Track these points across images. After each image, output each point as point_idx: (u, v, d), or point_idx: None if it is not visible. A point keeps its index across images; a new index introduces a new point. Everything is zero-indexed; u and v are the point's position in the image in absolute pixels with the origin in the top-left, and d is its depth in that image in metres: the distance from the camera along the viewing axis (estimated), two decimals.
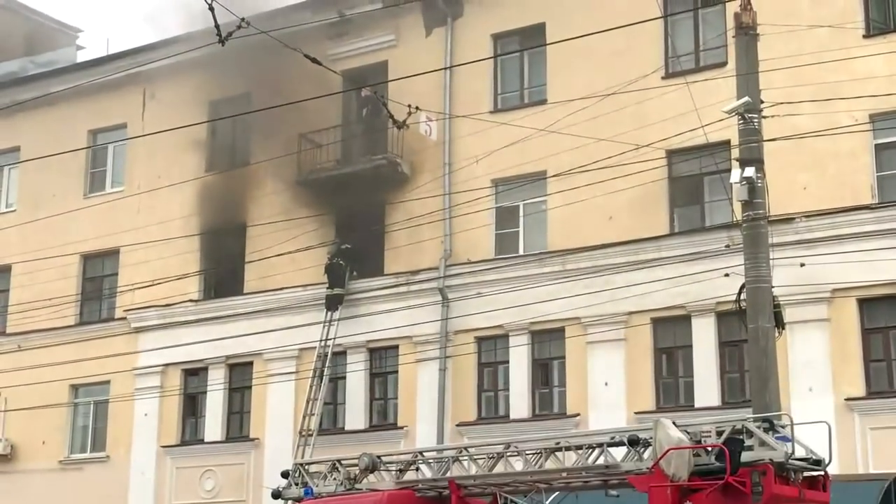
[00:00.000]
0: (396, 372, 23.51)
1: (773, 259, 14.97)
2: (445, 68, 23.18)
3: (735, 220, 18.30)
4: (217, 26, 13.33)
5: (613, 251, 21.25)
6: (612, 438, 13.02)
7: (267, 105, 22.12)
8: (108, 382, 26.57)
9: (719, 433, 12.03)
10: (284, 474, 15.84)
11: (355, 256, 23.98)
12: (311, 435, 22.96)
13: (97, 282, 27.90)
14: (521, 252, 22.72)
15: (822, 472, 12.35)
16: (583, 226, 21.68)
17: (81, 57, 31.43)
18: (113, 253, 27.34)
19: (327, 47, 23.98)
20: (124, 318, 26.73)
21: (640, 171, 20.66)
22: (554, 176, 22.00)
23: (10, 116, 27.99)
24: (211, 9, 13.36)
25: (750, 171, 14.73)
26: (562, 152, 21.53)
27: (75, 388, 27.28)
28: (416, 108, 17.72)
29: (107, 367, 26.18)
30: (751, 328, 14.69)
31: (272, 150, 24.46)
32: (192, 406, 26.01)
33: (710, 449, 11.89)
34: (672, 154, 21.16)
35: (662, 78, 21.45)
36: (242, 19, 14.35)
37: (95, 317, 27.63)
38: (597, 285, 21.06)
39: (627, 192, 20.99)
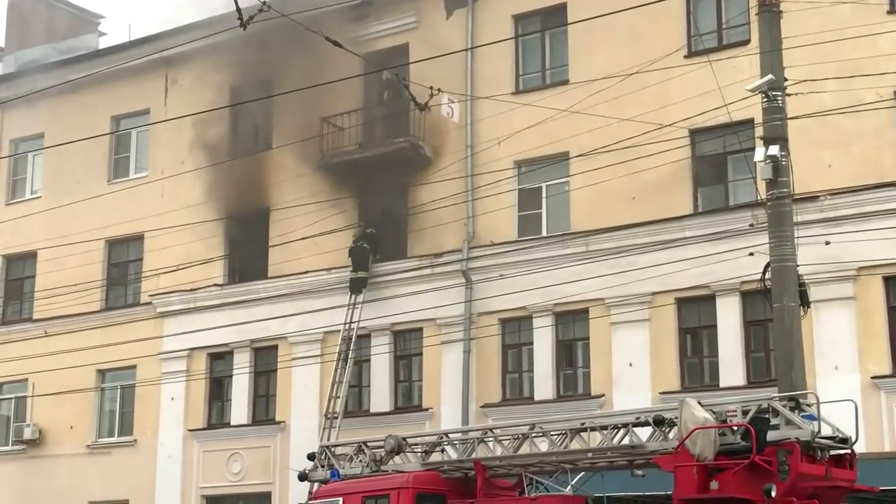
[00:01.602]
0: (421, 354, 23.58)
1: (797, 237, 14.92)
2: (466, 49, 23.17)
3: (759, 198, 18.25)
4: (239, 10, 13.36)
5: (637, 231, 21.22)
6: (637, 418, 13.07)
7: (289, 89, 22.19)
8: (134, 367, 26.80)
9: (745, 412, 12.05)
10: (311, 457, 15.97)
11: (378, 239, 24.03)
12: (336, 417, 23.08)
13: (122, 267, 28.05)
14: (543, 234, 22.71)
15: (849, 451, 12.37)
16: (606, 206, 21.65)
17: (103, 43, 31.55)
18: (137, 238, 27.51)
19: (348, 30, 23.89)
20: (149, 303, 26.89)
21: (663, 151, 20.61)
22: (576, 157, 21.99)
23: (33, 103, 28.09)
24: None
25: (774, 150, 14.68)
26: (584, 133, 21.50)
27: (102, 373, 27.47)
28: (438, 90, 17.67)
29: (133, 351, 26.41)
30: (776, 307, 14.66)
31: (294, 134, 24.51)
32: (219, 390, 26.17)
33: (735, 428, 11.91)
34: (695, 133, 21.09)
35: (685, 57, 21.37)
36: (264, 2, 14.39)
37: (121, 302, 27.78)
38: (620, 266, 21.06)
39: (650, 173, 20.96)
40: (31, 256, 29.08)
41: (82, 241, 27.40)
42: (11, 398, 28.82)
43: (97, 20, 34.53)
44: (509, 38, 23.17)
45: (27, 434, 27.73)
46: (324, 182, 24.81)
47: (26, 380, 28.11)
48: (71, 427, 27.45)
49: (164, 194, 26.95)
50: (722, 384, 20.23)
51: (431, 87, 18.15)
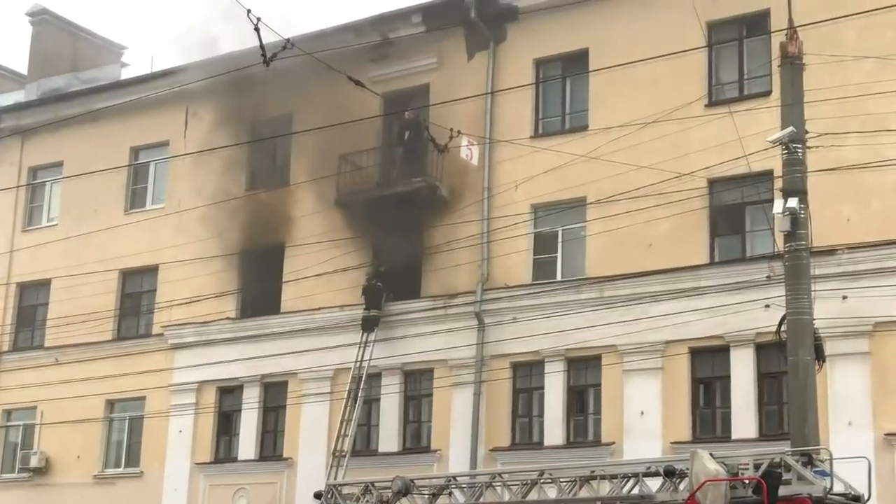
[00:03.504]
0: (431, 395, 23.49)
1: (814, 291, 14.87)
2: (487, 94, 23.26)
3: (777, 250, 18.18)
4: (262, 47, 13.48)
5: (652, 279, 21.16)
6: (648, 468, 12.98)
7: (308, 126, 22.34)
8: (143, 398, 26.77)
9: (757, 466, 11.96)
10: (317, 495, 15.89)
11: (392, 278, 24.01)
12: (344, 456, 22.97)
13: (135, 298, 28.07)
14: (558, 278, 22.66)
15: None
16: (622, 253, 21.61)
17: (126, 74, 31.80)
18: (152, 269, 27.56)
19: (369, 69, 24.12)
20: (161, 335, 26.90)
21: (681, 200, 20.60)
22: (594, 202, 22.00)
23: (54, 131, 28.37)
24: (257, 30, 13.55)
25: (793, 202, 14.66)
26: (602, 179, 21.51)
27: (111, 403, 27.44)
28: (458, 132, 17.80)
29: (143, 382, 26.40)
30: (791, 360, 14.57)
31: (312, 171, 24.61)
32: (227, 424, 26.11)
33: (747, 482, 11.82)
34: (714, 183, 21.07)
35: (706, 106, 21.40)
36: (287, 40, 14.55)
37: (133, 332, 27.80)
38: (635, 313, 21.01)
39: (668, 221, 20.95)
40: (45, 284, 29.13)
41: (97, 271, 27.45)
42: (20, 425, 28.81)
43: (120, 51, 34.85)
44: (530, 84, 23.24)
45: (34, 462, 27.68)
46: (339, 219, 24.85)
47: (35, 407, 28.13)
48: (78, 456, 27.38)
49: (180, 226, 27.03)
50: (734, 436, 20.08)
51: (451, 129, 18.28)
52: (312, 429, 24.42)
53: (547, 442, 21.95)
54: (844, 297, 19.07)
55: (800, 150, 14.88)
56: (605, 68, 20.55)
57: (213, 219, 26.03)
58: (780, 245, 15.95)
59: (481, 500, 14.05)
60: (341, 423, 23.30)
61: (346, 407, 23.36)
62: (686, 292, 20.71)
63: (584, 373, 22.07)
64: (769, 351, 19.26)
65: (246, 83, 23.22)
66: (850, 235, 19.60)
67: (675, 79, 21.51)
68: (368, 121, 21.60)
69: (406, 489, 14.69)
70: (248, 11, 13.73)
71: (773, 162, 16.95)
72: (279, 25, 15.14)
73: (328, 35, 23.81)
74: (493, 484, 14.26)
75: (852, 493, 12.18)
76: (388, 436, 23.73)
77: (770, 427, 20.00)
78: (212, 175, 26.22)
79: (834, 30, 18.00)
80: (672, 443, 20.36)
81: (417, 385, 23.85)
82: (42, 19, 32.96)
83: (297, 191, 25.33)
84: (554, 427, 21.93)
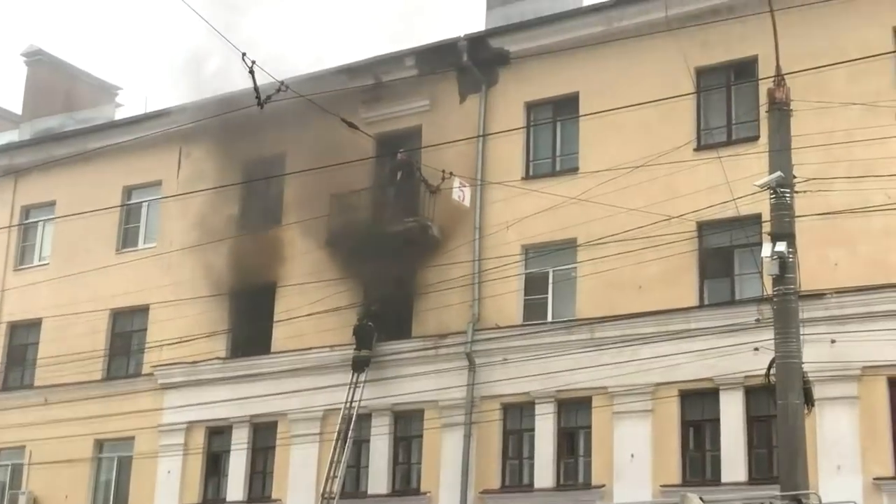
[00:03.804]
0: (421, 437, 23.44)
1: (803, 335, 14.92)
2: (479, 136, 23.42)
3: (765, 294, 18.27)
4: (257, 90, 13.61)
5: (642, 321, 21.22)
6: None
7: (301, 166, 22.47)
8: (132, 439, 26.63)
9: None
10: None
11: (383, 318, 24.05)
12: (333, 498, 22.87)
13: (125, 337, 28.00)
14: (549, 319, 22.72)
15: None
16: (612, 295, 21.69)
17: (120, 114, 31.92)
18: (142, 309, 27.50)
19: (362, 111, 24.34)
20: (151, 375, 26.82)
21: (670, 243, 20.74)
22: (584, 244, 22.10)
23: (47, 171, 28.43)
24: (251, 73, 13.68)
25: (781, 246, 14.76)
26: (593, 221, 21.65)
27: (100, 444, 27.31)
28: (450, 173, 17.90)
29: (132, 423, 26.28)
30: (780, 404, 14.60)
31: (304, 211, 24.69)
32: (216, 465, 25.98)
33: None
34: (703, 226, 21.20)
35: (694, 150, 21.58)
36: (282, 83, 14.70)
37: (122, 372, 27.70)
38: (625, 355, 21.01)
39: (657, 263, 21.05)
40: (35, 324, 29.04)
41: (87, 312, 27.43)
42: (8, 465, 28.60)
43: (115, 91, 35.01)
44: (521, 128, 23.42)
45: (22, 502, 27.46)
46: (330, 259, 24.88)
47: (23, 447, 27.93)
48: (66, 497, 27.16)
49: (170, 266, 27.03)
50: (724, 480, 20.05)
51: (443, 171, 18.41)
52: (301, 470, 24.33)
53: (537, 484, 21.90)
54: (833, 341, 19.15)
55: (787, 195, 15.00)
56: (596, 113, 20.72)
57: (204, 258, 26.06)
58: (768, 288, 16.03)
59: None
60: (330, 464, 23.21)
61: (335, 448, 23.28)
62: (676, 335, 20.75)
63: (575, 415, 22.06)
64: (758, 394, 19.31)
65: (240, 124, 23.34)
66: (838, 280, 19.70)
67: (665, 123, 21.69)
68: (361, 162, 21.73)
69: None
70: (244, 55, 13.87)
71: (762, 206, 17.07)
72: (274, 68, 15.33)
73: (322, 77, 24.01)
74: None
75: None
76: (378, 478, 23.64)
77: (760, 471, 19.98)
78: (204, 215, 26.27)
79: (821, 76, 18.20)
80: (662, 486, 20.35)
81: (407, 426, 23.80)
82: (37, 59, 33.13)
83: (289, 230, 25.39)
84: (544, 469, 21.89)
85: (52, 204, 29.69)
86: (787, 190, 15.03)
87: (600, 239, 21.47)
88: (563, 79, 23.41)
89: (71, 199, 28.50)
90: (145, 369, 27.06)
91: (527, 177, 23.55)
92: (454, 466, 22.53)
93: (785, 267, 14.76)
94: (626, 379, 20.96)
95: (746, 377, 19.62)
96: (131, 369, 27.64)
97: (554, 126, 23.87)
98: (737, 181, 19.30)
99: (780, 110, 15.38)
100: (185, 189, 25.67)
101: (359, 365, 23.72)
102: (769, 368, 14.96)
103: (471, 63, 24.25)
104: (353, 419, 23.34)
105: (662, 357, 20.60)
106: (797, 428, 14.44)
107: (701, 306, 21.12)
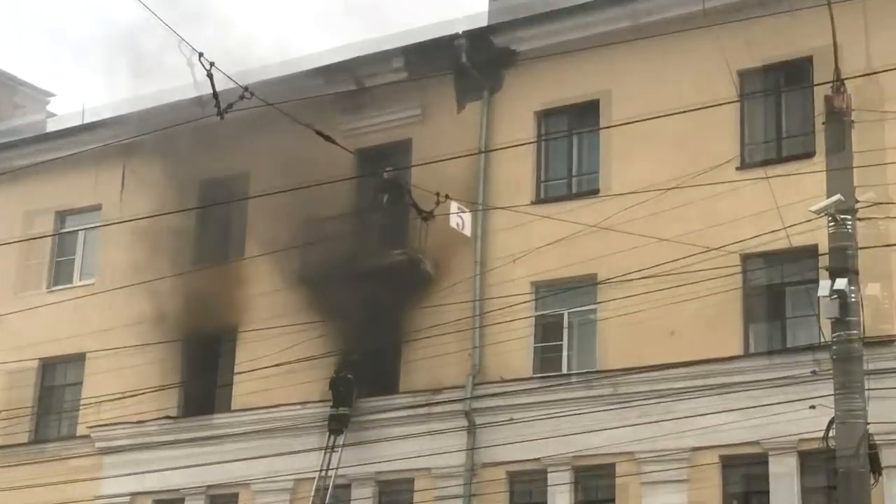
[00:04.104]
0: None
1: (868, 389, 14.92)
2: (480, 152, 23.45)
3: (823, 340, 18.27)
4: (216, 96, 13.61)
5: (675, 374, 21.17)
6: None
7: (268, 187, 22.43)
8: None
9: None
10: None
11: (366, 370, 24.04)
12: None
13: (57, 392, 28.00)
14: (564, 371, 22.71)
15: None
16: (639, 342, 21.67)
17: (52, 126, 31.93)
18: (77, 359, 27.51)
19: (341, 121, 24.39)
20: (88, 437, 26.78)
21: (709, 279, 20.68)
22: (606, 281, 22.08)
23: None
24: (209, 76, 13.68)
25: (841, 283, 14.78)
26: (616, 253, 21.66)
27: None
28: (446, 196, 17.92)
29: (65, 493, 26.13)
30: (841, 472, 14.59)
31: (272, 241, 24.68)
32: None
33: None
34: (748, 259, 21.21)
35: (737, 169, 21.63)
36: (245, 88, 14.70)
37: (54, 434, 27.71)
38: (655, 414, 20.99)
39: (694, 304, 21.00)
40: None
41: (13, 361, 27.35)
42: None
43: (47, 98, 35.08)
44: (531, 142, 23.44)
45: None
46: (303, 299, 24.91)
47: None
48: None
49: (111, 307, 27.01)
50: None
51: (438, 194, 18.39)
52: None
53: None
54: None
55: (849, 223, 15.03)
56: (620, 123, 20.78)
57: (151, 298, 26.05)
58: (826, 334, 16.05)
59: None
60: None
61: None
62: (716, 389, 20.69)
63: (595, 485, 22.02)
64: (815, 460, 19.27)
65: (196, 137, 23.38)
66: None
67: (703, 136, 21.75)
68: (339, 183, 21.76)
69: None
70: (201, 55, 13.89)
71: (818, 235, 17.11)
72: (236, 71, 15.34)
73: (293, 81, 24.08)
74: None
75: None
76: None
77: None
78: (152, 246, 26.28)
79: (889, 80, 18.27)
80: None
81: (394, 498, 23.75)
82: None
83: (254, 265, 25.37)
84: None
85: None
86: (849, 216, 15.06)
87: (626, 275, 21.45)
88: (582, 83, 23.52)
89: None
90: (81, 430, 27.02)
91: (538, 200, 23.61)
92: None
93: (846, 308, 14.78)
94: (657, 442, 20.94)
95: (800, 440, 19.59)
96: (64, 430, 27.62)
97: (570, 139, 23.95)
98: (788, 206, 19.34)
99: (840, 121, 15.43)
100: (129, 214, 25.65)
101: (336, 425, 23.71)
102: (828, 430, 14.94)
103: (470, 64, 24.37)
104: (330, 490, 23.30)
105: (700, 416, 20.53)
106: (861, 499, 14.40)
107: (746, 355, 21.11)
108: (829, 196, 15.16)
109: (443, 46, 24.70)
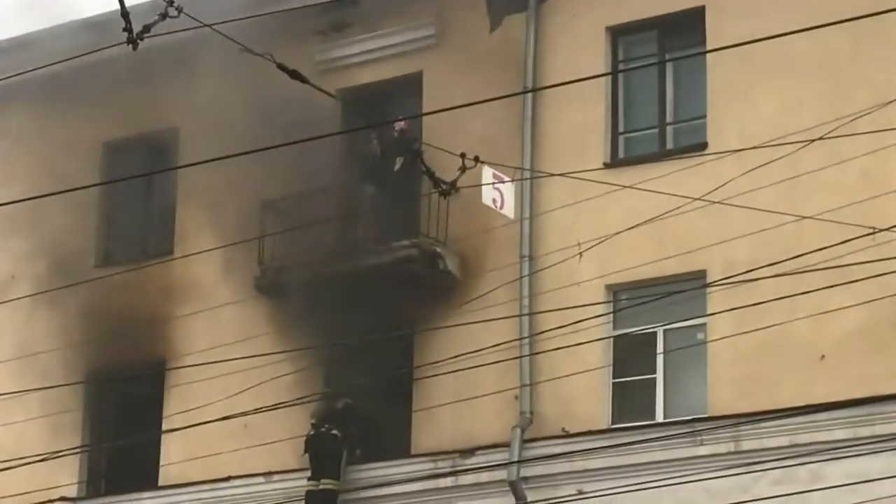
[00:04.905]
0: None
1: None
2: (525, 91, 23.42)
3: None
4: (127, 18, 13.57)
5: (829, 419, 21.21)
6: None
7: (206, 152, 22.36)
8: None
9: None
10: None
11: (359, 423, 24.22)
12: None
13: None
14: (658, 419, 22.84)
15: None
16: (772, 372, 21.73)
17: None
18: None
19: (317, 50, 24.43)
20: None
21: (878, 275, 20.56)
22: (720, 282, 21.98)
23: None
24: None
25: None
26: (735, 239, 21.76)
27: None
28: (476, 160, 17.80)
29: None
30: None
31: (215, 231, 24.73)
32: None
33: None
34: None
35: None
36: (170, 3, 14.65)
37: None
38: (799, 480, 21.01)
39: (855, 313, 21.02)
40: None
41: None
42: None
43: None
44: (602, 75, 23.44)
45: None
46: (263, 317, 25.07)
47: None
48: None
49: None
50: None
51: (463, 155, 18.31)
52: None
53: None
54: None
55: None
56: (736, 45, 20.55)
57: (41, 320, 26.14)
58: None
59: None
60: None
61: None
62: (887, 439, 20.68)
63: None
64: None
65: (97, 77, 23.40)
66: None
67: (862, 61, 21.77)
68: (316, 141, 21.66)
69: None
70: None
71: None
72: None
73: None
74: None
75: None
76: None
77: None
78: (36, 241, 26.40)
79: None
80: None
81: None
82: None
83: (190, 266, 25.46)
84: None
85: None
86: None
87: (749, 271, 21.31)
88: None
89: None
90: None
91: (614, 162, 23.71)
92: None
93: None
94: None
95: None
96: None
97: (662, 69, 23.96)
98: None
99: None
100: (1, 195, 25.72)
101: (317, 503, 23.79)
102: None
103: None
104: None
105: (867, 483, 20.45)
106: None
107: None
108: None
109: None
